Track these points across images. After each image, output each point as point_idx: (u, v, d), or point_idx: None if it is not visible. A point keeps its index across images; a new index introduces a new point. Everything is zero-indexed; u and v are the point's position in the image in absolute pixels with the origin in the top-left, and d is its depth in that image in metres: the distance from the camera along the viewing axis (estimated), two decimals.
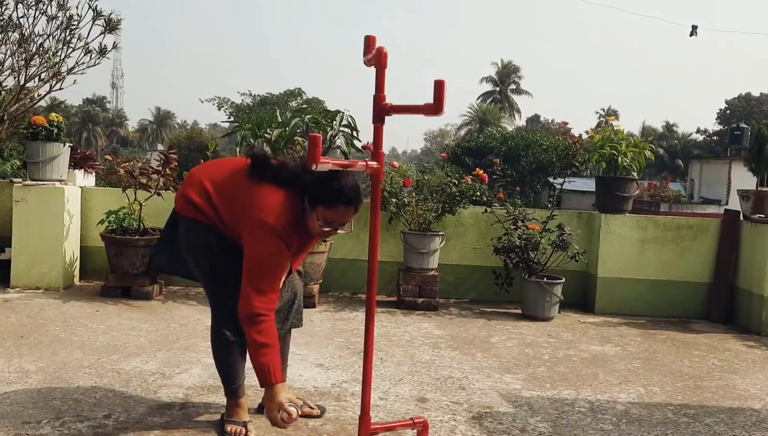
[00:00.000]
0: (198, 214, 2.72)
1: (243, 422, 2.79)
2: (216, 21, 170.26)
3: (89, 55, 6.00)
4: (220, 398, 3.17)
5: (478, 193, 5.60)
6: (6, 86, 6.05)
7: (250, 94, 32.03)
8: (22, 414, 2.87)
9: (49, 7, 5.86)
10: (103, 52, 6.05)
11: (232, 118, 28.69)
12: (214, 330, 2.80)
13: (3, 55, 5.92)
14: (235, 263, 2.58)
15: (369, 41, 2.45)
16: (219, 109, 31.30)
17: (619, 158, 5.69)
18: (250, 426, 2.78)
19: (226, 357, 2.79)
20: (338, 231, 2.62)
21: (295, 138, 5.18)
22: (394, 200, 5.43)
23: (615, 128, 5.86)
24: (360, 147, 5.43)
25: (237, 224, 2.61)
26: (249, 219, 2.55)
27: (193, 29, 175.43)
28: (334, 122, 5.26)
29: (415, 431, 2.64)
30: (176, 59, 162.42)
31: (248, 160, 2.67)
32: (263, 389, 2.53)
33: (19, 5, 5.80)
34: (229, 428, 2.75)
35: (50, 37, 5.93)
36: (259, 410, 3.01)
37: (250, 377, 3.50)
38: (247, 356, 2.64)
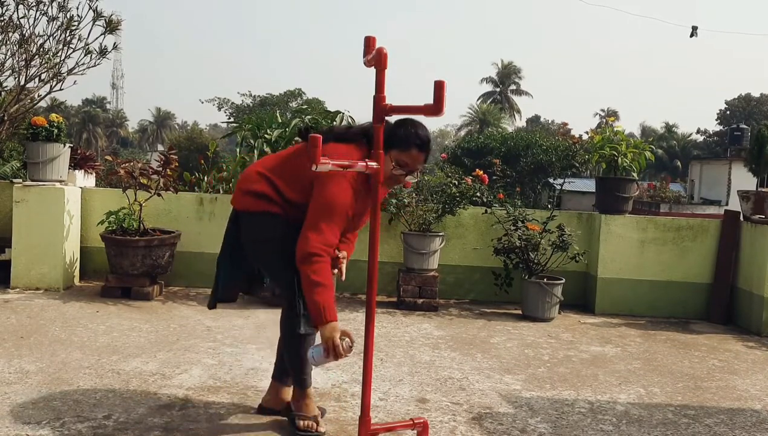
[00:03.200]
0: (267, 204, 2.73)
1: (313, 416, 2.82)
2: (216, 22, 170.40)
3: (89, 55, 6.00)
4: (220, 398, 3.18)
5: (478, 194, 5.60)
6: (6, 87, 6.05)
7: (250, 95, 32.07)
8: (22, 415, 2.87)
9: (50, 8, 5.87)
10: (103, 52, 6.05)
11: (231, 119, 28.68)
12: (287, 321, 2.80)
13: (3, 56, 5.93)
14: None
15: (369, 42, 2.45)
16: (219, 109, 31.36)
17: (619, 159, 5.70)
18: (320, 418, 2.83)
19: (298, 348, 2.78)
20: (407, 178, 2.71)
21: (295, 138, 5.18)
22: (394, 201, 5.43)
23: (615, 129, 5.87)
24: None
25: (306, 195, 2.64)
26: (321, 174, 2.56)
27: (194, 30, 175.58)
28: (334, 123, 5.27)
29: (415, 431, 2.64)
30: (176, 60, 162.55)
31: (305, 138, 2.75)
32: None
33: (20, 6, 5.81)
34: (301, 423, 2.79)
35: (51, 38, 5.94)
36: (259, 411, 3.01)
37: (262, 376, 3.50)
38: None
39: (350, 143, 2.67)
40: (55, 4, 5.87)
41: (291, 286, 2.73)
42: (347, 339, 2.47)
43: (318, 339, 2.57)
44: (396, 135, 2.66)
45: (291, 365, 2.86)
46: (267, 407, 3.00)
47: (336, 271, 2.84)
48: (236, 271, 2.98)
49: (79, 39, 5.98)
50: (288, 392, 2.96)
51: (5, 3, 5.77)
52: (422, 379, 3.63)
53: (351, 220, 2.70)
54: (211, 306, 3.09)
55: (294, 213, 2.69)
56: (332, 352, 2.44)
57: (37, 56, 5.95)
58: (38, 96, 6.15)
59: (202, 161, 7.11)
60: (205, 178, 6.66)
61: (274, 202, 2.71)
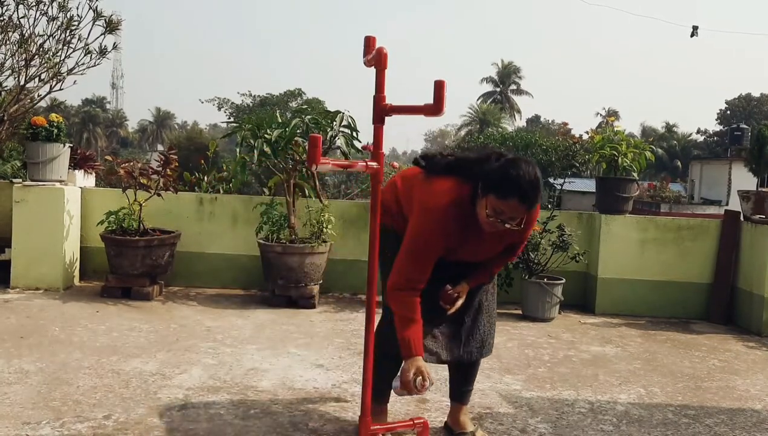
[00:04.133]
0: (384, 217, 2.71)
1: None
2: (216, 22, 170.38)
3: (89, 55, 6.00)
4: (220, 398, 3.18)
5: None
6: (6, 87, 6.05)
7: (250, 95, 32.05)
8: (22, 415, 2.87)
9: (50, 8, 5.87)
10: (103, 52, 6.04)
11: (231, 119, 28.67)
12: (378, 328, 2.75)
13: (3, 56, 5.93)
14: None
15: (369, 42, 2.45)
16: (219, 109, 31.32)
17: (620, 159, 5.69)
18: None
19: (376, 368, 2.73)
20: (506, 225, 2.44)
21: (296, 139, 5.18)
22: None
23: (615, 129, 5.86)
24: (360, 147, 5.43)
25: (412, 212, 2.63)
26: (418, 203, 2.56)
27: (194, 30, 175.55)
28: (334, 123, 5.26)
29: (415, 431, 2.64)
30: (176, 60, 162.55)
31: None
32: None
33: (20, 6, 5.80)
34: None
35: (50, 38, 5.93)
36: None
37: (262, 376, 3.50)
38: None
39: (457, 177, 2.54)
40: (55, 4, 5.86)
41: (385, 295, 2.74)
42: (420, 378, 2.45)
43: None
44: (496, 178, 2.40)
45: (374, 373, 2.76)
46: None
47: (442, 302, 2.66)
48: None
49: (79, 39, 5.98)
50: (462, 410, 2.92)
51: (5, 3, 5.77)
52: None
53: (454, 251, 2.58)
54: None
55: (404, 225, 2.66)
56: (405, 386, 2.45)
57: (37, 56, 5.94)
58: (38, 96, 6.14)
59: (203, 161, 7.11)
60: (205, 178, 6.66)
61: (392, 215, 2.72)
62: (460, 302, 2.67)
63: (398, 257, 2.55)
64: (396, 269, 2.53)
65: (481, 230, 2.51)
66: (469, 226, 2.52)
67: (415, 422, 2.62)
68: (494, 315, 2.88)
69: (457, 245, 2.56)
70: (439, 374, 3.71)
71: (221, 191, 6.45)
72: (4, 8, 5.78)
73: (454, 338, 2.74)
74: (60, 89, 6.03)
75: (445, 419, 3.03)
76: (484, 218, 2.45)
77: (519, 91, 57.15)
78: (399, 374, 2.52)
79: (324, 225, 5.24)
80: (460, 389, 2.92)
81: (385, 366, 2.67)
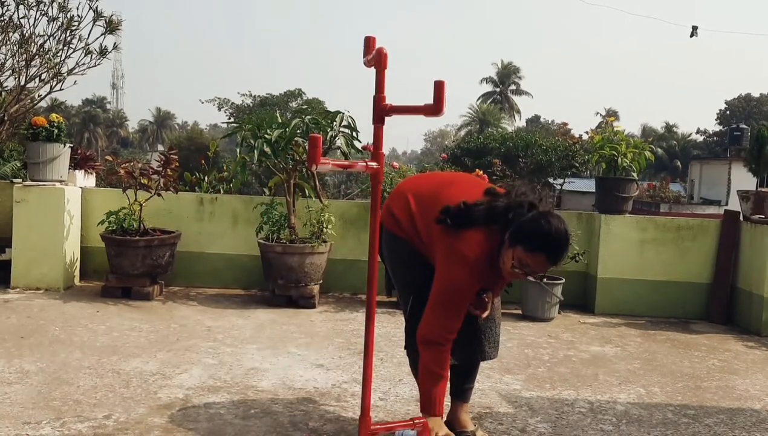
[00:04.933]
0: (395, 226, 2.71)
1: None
2: (216, 21, 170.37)
3: (90, 55, 6.01)
4: (220, 398, 3.18)
5: None
6: (6, 87, 6.06)
7: (250, 95, 32.04)
8: (23, 414, 2.87)
9: (50, 9, 5.87)
10: (103, 52, 6.05)
11: (232, 119, 28.66)
12: (407, 339, 2.82)
13: (3, 56, 5.93)
14: (427, 277, 2.56)
15: (369, 42, 2.45)
16: (219, 109, 31.32)
17: (619, 159, 5.69)
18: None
19: (417, 365, 2.78)
20: (528, 277, 2.47)
21: (296, 139, 5.18)
22: None
23: (615, 129, 5.87)
24: (360, 148, 5.44)
25: (433, 245, 2.58)
26: (447, 247, 2.50)
27: (194, 29, 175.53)
28: (334, 123, 5.26)
29: (415, 431, 2.64)
30: (176, 60, 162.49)
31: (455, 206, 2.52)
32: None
33: (20, 6, 5.81)
34: None
35: (51, 38, 5.94)
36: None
37: (262, 376, 3.50)
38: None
39: (485, 228, 2.48)
40: (55, 5, 5.87)
41: (406, 304, 2.76)
42: None
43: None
44: (526, 230, 2.38)
45: (415, 378, 2.86)
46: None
47: (472, 308, 2.65)
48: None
49: (79, 39, 5.99)
50: (463, 408, 2.93)
51: (5, 3, 5.77)
52: None
53: (480, 292, 2.61)
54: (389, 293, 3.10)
55: (421, 246, 2.64)
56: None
57: (37, 56, 5.95)
58: (38, 96, 6.15)
59: (203, 161, 7.11)
60: (206, 178, 6.66)
61: (405, 230, 2.70)
62: (489, 307, 2.69)
63: (430, 307, 2.51)
64: (429, 319, 2.50)
65: (500, 274, 2.52)
66: (496, 271, 2.51)
67: (415, 421, 2.62)
68: (500, 316, 2.91)
69: (485, 286, 2.60)
70: None
71: (222, 191, 6.46)
72: (5, 8, 5.79)
73: (471, 340, 2.75)
74: (60, 89, 6.05)
75: (444, 417, 3.03)
76: (507, 268, 2.45)
77: (519, 92, 57.15)
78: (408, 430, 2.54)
79: (324, 225, 5.24)
80: (463, 386, 2.92)
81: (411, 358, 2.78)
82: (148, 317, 4.66)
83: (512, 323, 5.08)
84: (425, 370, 2.53)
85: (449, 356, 2.55)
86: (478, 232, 2.49)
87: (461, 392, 2.93)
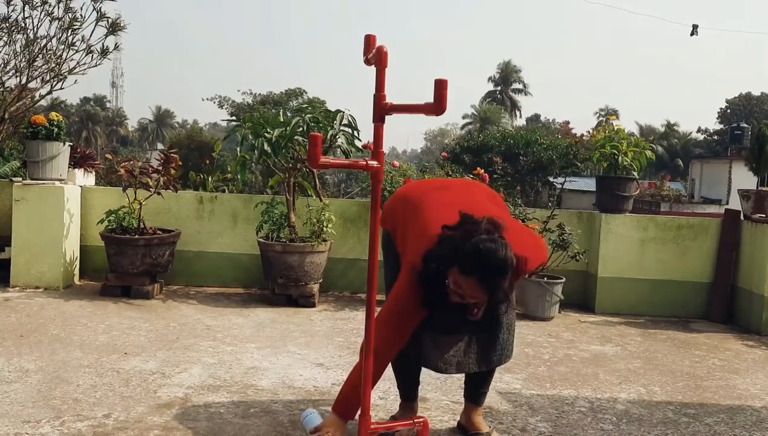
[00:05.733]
0: (388, 222, 2.77)
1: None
2: (217, 21, 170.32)
3: (91, 55, 6.00)
4: (220, 397, 3.18)
5: None
6: (8, 87, 6.05)
7: (251, 93, 31.98)
8: (22, 413, 2.87)
9: (55, 9, 5.87)
10: (105, 53, 6.05)
11: (233, 118, 28.65)
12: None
13: (7, 57, 5.94)
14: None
15: (369, 40, 2.45)
16: (220, 107, 31.24)
17: (620, 158, 5.69)
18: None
19: (396, 365, 2.84)
20: (473, 308, 2.35)
21: (296, 137, 5.18)
22: None
23: (616, 128, 5.86)
24: (361, 146, 5.43)
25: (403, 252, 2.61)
26: (405, 257, 2.54)
27: (194, 29, 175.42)
28: (335, 122, 5.26)
29: (415, 430, 2.63)
30: (176, 59, 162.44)
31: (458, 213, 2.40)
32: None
33: (26, 6, 5.81)
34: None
35: (54, 39, 5.94)
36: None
37: (262, 375, 3.49)
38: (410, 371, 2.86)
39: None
40: (60, 5, 5.87)
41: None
42: None
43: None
44: (463, 251, 2.23)
45: (396, 379, 2.93)
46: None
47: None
48: None
49: (82, 40, 5.98)
50: (477, 411, 2.92)
51: (11, 2, 5.78)
52: (422, 378, 3.61)
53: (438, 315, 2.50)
54: None
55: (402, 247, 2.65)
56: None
57: (40, 56, 5.94)
58: (39, 95, 6.15)
59: (207, 162, 7.12)
60: (210, 178, 6.67)
61: (392, 230, 2.75)
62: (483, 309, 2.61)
63: (380, 313, 2.48)
64: (376, 324, 2.37)
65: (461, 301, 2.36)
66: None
67: (415, 421, 2.62)
68: (513, 325, 2.79)
69: (432, 305, 2.45)
70: (436, 373, 3.71)
71: (226, 192, 6.46)
72: (10, 8, 5.79)
73: (472, 350, 2.66)
74: (61, 88, 6.05)
75: (448, 417, 3.03)
76: (451, 290, 2.33)
77: (519, 91, 57.17)
78: (314, 413, 2.67)
79: (324, 224, 5.24)
80: (477, 390, 2.91)
81: (405, 363, 2.77)
82: (147, 315, 4.66)
83: None
84: (354, 370, 2.53)
85: (378, 370, 2.48)
86: (431, 239, 2.39)
87: (476, 396, 2.92)
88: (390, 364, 2.71)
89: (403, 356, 2.68)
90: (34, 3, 5.81)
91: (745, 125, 34.12)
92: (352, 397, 2.53)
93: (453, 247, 2.29)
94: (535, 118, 61.89)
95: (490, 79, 57.16)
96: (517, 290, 2.71)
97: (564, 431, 3.02)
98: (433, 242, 2.38)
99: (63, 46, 5.91)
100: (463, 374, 2.86)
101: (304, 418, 2.72)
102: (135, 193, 5.32)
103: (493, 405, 3.29)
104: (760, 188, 5.52)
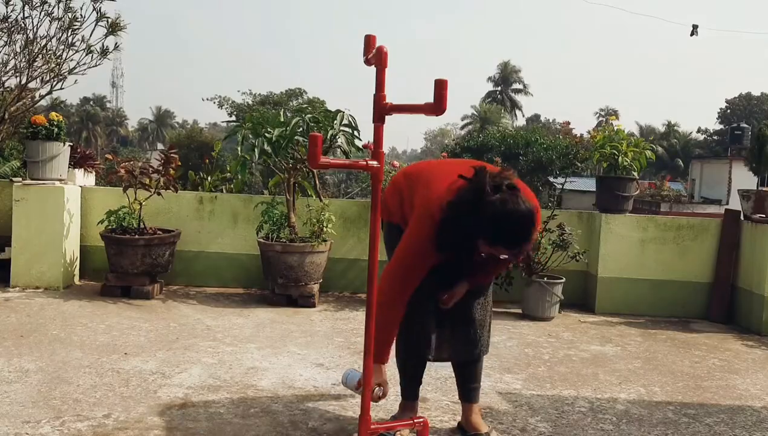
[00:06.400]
0: (387, 215, 2.77)
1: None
2: (217, 21, 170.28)
3: (91, 55, 6.00)
4: (220, 398, 3.18)
5: None
6: (8, 87, 6.05)
7: (251, 93, 31.98)
8: (22, 413, 2.87)
9: (55, 9, 5.86)
10: (105, 53, 6.04)
11: (233, 118, 28.64)
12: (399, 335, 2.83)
13: (7, 57, 5.93)
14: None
15: (369, 40, 2.45)
16: (220, 107, 31.22)
17: (620, 158, 5.69)
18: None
19: (400, 365, 2.89)
20: (507, 262, 2.53)
21: (296, 138, 5.18)
22: None
23: (616, 128, 5.86)
24: (361, 146, 5.43)
25: (412, 210, 2.62)
26: (420, 204, 2.56)
27: (194, 29, 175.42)
28: (335, 122, 5.26)
29: (415, 430, 2.64)
30: (176, 59, 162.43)
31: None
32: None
33: (26, 6, 5.80)
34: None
35: (53, 39, 5.93)
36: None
37: (262, 375, 3.50)
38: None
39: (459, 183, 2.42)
40: (60, 5, 5.87)
41: None
42: (382, 389, 2.56)
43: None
44: (485, 222, 2.29)
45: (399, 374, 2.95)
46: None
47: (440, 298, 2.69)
48: None
49: (82, 40, 5.98)
50: (473, 410, 2.93)
51: (10, 2, 5.77)
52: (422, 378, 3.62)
53: (445, 269, 2.58)
54: None
55: (404, 222, 2.66)
56: (363, 389, 2.47)
57: (39, 56, 5.94)
58: (39, 95, 6.15)
59: (207, 161, 7.12)
60: (209, 178, 6.66)
61: (393, 214, 2.76)
62: (457, 298, 2.69)
63: (390, 260, 2.56)
64: (386, 270, 2.55)
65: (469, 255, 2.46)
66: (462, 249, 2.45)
67: (415, 421, 2.62)
68: (489, 316, 2.88)
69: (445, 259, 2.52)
70: (436, 373, 3.72)
71: (224, 191, 6.46)
72: (9, 8, 5.79)
73: (446, 339, 2.76)
74: (61, 88, 6.04)
75: (448, 417, 3.03)
76: (479, 253, 2.42)
77: (519, 91, 57.19)
78: (359, 377, 2.58)
79: (324, 224, 5.23)
80: (465, 386, 2.93)
81: (410, 366, 2.85)
82: (147, 315, 4.66)
83: (512, 323, 5.08)
84: (378, 324, 2.46)
85: (391, 307, 2.53)
86: (443, 189, 2.47)
87: (467, 393, 2.93)
88: (397, 361, 2.80)
89: (409, 358, 2.73)
90: (34, 3, 5.81)
91: (745, 125, 34.14)
92: (380, 340, 2.52)
93: (475, 190, 2.33)
94: (535, 118, 61.89)
95: (490, 79, 57.23)
96: (497, 288, 2.77)
97: (564, 431, 3.02)
98: (451, 192, 2.42)
99: (63, 47, 5.91)
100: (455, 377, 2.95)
101: (346, 377, 2.68)
102: (135, 193, 5.32)
103: (493, 405, 3.29)
104: (760, 188, 5.52)
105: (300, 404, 3.16)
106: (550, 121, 59.27)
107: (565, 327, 5.04)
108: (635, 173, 5.76)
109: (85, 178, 6.26)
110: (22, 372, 3.38)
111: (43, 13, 5.86)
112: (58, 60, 5.89)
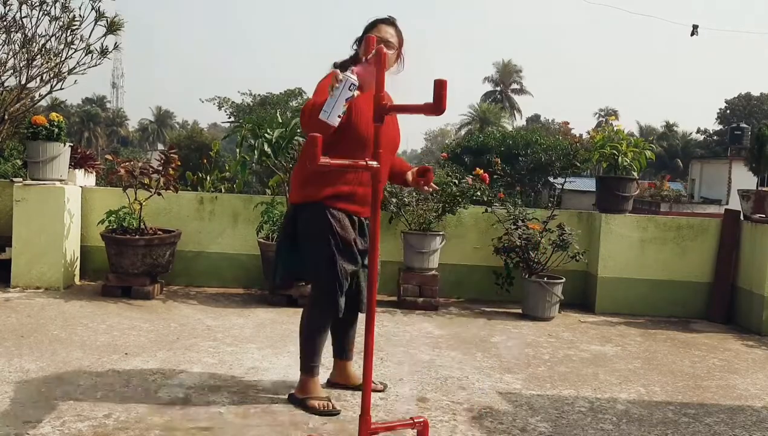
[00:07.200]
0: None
1: (326, 396, 3.10)
2: (217, 21, 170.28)
3: (90, 55, 6.00)
4: (221, 397, 3.18)
5: (479, 193, 5.60)
6: (8, 86, 6.05)
7: (251, 94, 31.95)
8: (23, 414, 2.87)
9: (53, 8, 5.86)
10: (104, 52, 6.04)
11: (232, 118, 28.62)
12: (307, 307, 3.18)
13: (5, 56, 5.93)
14: (330, 246, 2.94)
15: (369, 41, 2.45)
16: (219, 108, 31.20)
17: (620, 158, 5.69)
18: (332, 400, 3.09)
19: (310, 334, 3.13)
20: (386, 50, 2.51)
21: (296, 138, 5.18)
22: (394, 200, 5.43)
23: (615, 128, 5.86)
24: None
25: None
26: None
27: (195, 29, 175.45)
28: None
29: (415, 430, 2.64)
30: (177, 59, 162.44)
31: None
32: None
33: (23, 6, 5.80)
34: (316, 403, 3.03)
35: (53, 38, 5.93)
36: (329, 385, 3.34)
37: (262, 375, 3.49)
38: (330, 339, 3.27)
39: None
40: (58, 5, 5.86)
41: (316, 273, 3.08)
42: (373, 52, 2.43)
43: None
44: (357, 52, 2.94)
45: (302, 349, 3.18)
46: (335, 382, 3.37)
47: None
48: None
49: (81, 39, 5.98)
50: (351, 366, 3.35)
51: (8, 2, 5.77)
52: (422, 378, 3.63)
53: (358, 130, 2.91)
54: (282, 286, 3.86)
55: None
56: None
57: (39, 56, 5.94)
58: (39, 95, 6.15)
59: (205, 161, 7.13)
60: (208, 178, 6.67)
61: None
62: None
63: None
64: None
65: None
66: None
67: (416, 421, 2.62)
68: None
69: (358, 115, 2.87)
70: (436, 373, 3.72)
71: (223, 191, 6.46)
72: (8, 8, 5.78)
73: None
74: (61, 89, 6.04)
75: (448, 417, 3.03)
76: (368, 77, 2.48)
77: (519, 91, 57.18)
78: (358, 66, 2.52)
79: None
80: (344, 346, 3.34)
81: (316, 337, 3.14)
82: (148, 316, 4.66)
83: (513, 323, 5.08)
84: (311, 127, 2.63)
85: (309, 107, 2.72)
86: None
87: (343, 352, 3.35)
88: (330, 330, 3.22)
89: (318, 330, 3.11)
90: (32, 2, 5.81)
91: (744, 125, 34.14)
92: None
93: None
94: (535, 119, 61.88)
95: (489, 79, 57.21)
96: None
97: (564, 431, 3.03)
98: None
99: (62, 46, 5.91)
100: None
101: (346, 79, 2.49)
102: (135, 193, 5.32)
103: (493, 405, 3.29)
104: (760, 188, 5.53)
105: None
106: (550, 121, 59.27)
107: (565, 327, 5.05)
108: (635, 173, 5.76)
109: (85, 178, 6.26)
110: (22, 372, 3.38)
111: (41, 13, 5.86)
112: (58, 59, 5.89)
